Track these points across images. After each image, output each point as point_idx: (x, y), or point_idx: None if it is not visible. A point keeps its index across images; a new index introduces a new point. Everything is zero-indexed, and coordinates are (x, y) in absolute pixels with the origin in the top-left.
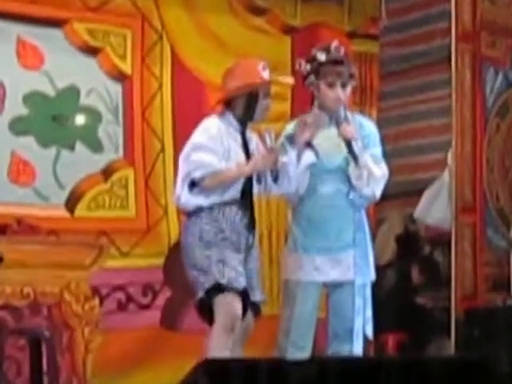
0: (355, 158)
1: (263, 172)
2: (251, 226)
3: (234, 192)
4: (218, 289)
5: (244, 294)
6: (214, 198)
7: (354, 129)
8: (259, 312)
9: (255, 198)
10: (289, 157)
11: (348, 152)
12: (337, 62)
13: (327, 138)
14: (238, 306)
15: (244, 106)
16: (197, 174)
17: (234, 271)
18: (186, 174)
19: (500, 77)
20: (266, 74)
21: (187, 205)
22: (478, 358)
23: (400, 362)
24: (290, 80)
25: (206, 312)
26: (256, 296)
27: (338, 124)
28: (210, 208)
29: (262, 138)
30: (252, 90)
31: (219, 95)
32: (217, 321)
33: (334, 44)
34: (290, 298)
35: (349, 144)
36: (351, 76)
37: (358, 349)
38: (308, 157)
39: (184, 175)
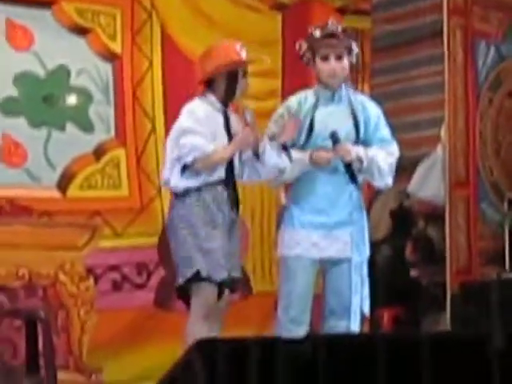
0: (354, 179)
1: (245, 150)
2: (235, 203)
3: (220, 172)
4: (196, 278)
5: (221, 284)
6: (202, 179)
7: (350, 148)
8: (236, 288)
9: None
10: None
11: (346, 172)
12: (330, 36)
13: (329, 115)
14: (213, 296)
15: (225, 87)
16: (189, 158)
17: (214, 262)
18: (177, 159)
19: (492, 51)
20: (242, 55)
21: (177, 188)
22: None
23: (394, 338)
24: (266, 58)
25: (185, 296)
26: (235, 272)
27: (334, 143)
28: (198, 189)
29: (242, 117)
30: (231, 70)
31: (198, 77)
32: (192, 308)
33: (331, 20)
34: (289, 274)
35: (347, 164)
36: (348, 49)
37: (355, 326)
38: (278, 160)
39: (174, 159)
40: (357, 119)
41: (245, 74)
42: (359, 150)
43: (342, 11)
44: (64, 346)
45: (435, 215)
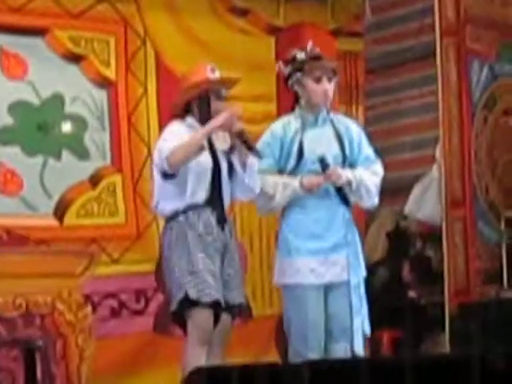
0: (347, 201)
1: (222, 136)
2: (223, 226)
3: (205, 193)
4: (188, 302)
5: (215, 306)
6: (188, 201)
7: (341, 172)
8: (238, 314)
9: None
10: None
11: (338, 195)
12: (316, 58)
13: (315, 138)
14: (208, 320)
15: (198, 109)
16: (163, 164)
17: (204, 284)
18: (159, 175)
19: (485, 69)
20: (213, 76)
21: (164, 210)
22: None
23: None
24: (236, 76)
25: (181, 322)
26: (235, 299)
27: (323, 168)
28: (185, 212)
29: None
30: (201, 92)
31: (175, 102)
32: (189, 334)
33: (310, 44)
34: (298, 304)
35: (339, 188)
36: (334, 72)
37: (358, 347)
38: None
39: (159, 181)
40: (342, 141)
41: (220, 96)
42: (348, 173)
43: (335, 33)
44: (63, 374)
45: (432, 235)
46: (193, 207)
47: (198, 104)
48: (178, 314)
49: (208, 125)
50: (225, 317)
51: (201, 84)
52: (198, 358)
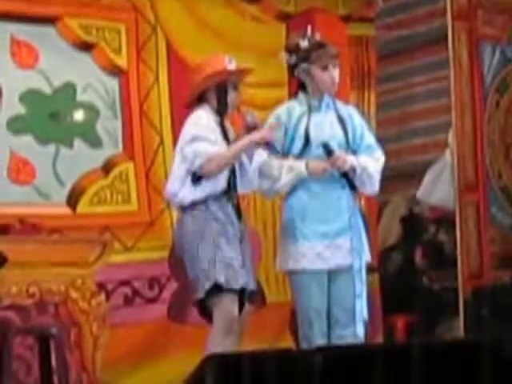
0: (351, 185)
1: (256, 147)
2: (240, 215)
3: (223, 183)
4: (216, 290)
5: (241, 293)
6: (208, 190)
7: (345, 157)
8: (254, 301)
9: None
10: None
11: (345, 180)
12: (321, 46)
13: (320, 124)
14: (235, 308)
15: (216, 99)
16: (196, 166)
17: (232, 271)
18: (186, 169)
19: (497, 54)
20: (230, 66)
21: (184, 200)
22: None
23: (408, 345)
24: (250, 67)
25: (206, 311)
26: (250, 285)
27: (328, 155)
28: (205, 201)
29: (244, 120)
30: (220, 82)
31: (190, 91)
32: (215, 322)
33: (309, 29)
34: (302, 290)
35: (345, 173)
36: (338, 57)
37: (360, 331)
38: (259, 156)
39: (184, 171)
40: (345, 127)
41: (236, 86)
42: (352, 159)
43: (346, 19)
44: (77, 362)
45: (446, 220)
46: (212, 196)
47: (216, 94)
48: (203, 304)
49: (247, 138)
50: (246, 305)
51: (220, 74)
52: (222, 346)
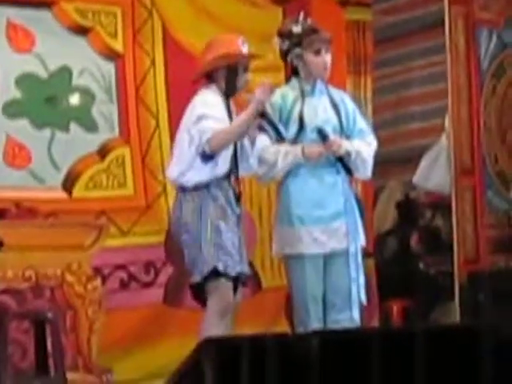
0: (349, 170)
1: (261, 109)
2: (239, 200)
3: (226, 165)
4: (213, 274)
5: (236, 279)
6: (212, 173)
7: (340, 141)
8: (246, 283)
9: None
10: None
11: (341, 166)
12: (314, 31)
13: (314, 108)
14: (230, 292)
15: (225, 80)
16: (203, 142)
17: (229, 256)
18: (194, 149)
19: (494, 38)
20: (244, 49)
21: (188, 182)
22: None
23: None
24: (268, 55)
25: (200, 294)
26: (244, 269)
27: (323, 139)
28: (207, 185)
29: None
30: (231, 64)
31: (199, 68)
32: (210, 306)
33: (301, 15)
34: (299, 274)
35: (340, 158)
36: (330, 42)
37: (356, 315)
38: (261, 141)
39: (191, 152)
40: (339, 112)
41: (246, 68)
42: (347, 144)
43: (343, 3)
44: (73, 346)
45: (442, 205)
46: (214, 179)
47: (225, 75)
48: (198, 287)
49: (247, 110)
50: (239, 288)
51: (234, 56)
52: (217, 329)
